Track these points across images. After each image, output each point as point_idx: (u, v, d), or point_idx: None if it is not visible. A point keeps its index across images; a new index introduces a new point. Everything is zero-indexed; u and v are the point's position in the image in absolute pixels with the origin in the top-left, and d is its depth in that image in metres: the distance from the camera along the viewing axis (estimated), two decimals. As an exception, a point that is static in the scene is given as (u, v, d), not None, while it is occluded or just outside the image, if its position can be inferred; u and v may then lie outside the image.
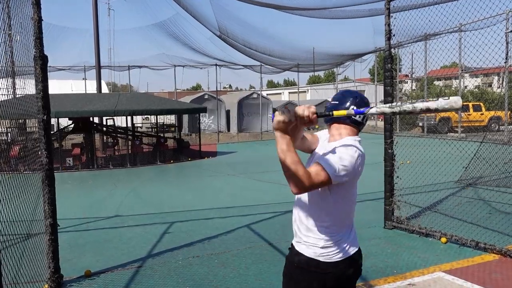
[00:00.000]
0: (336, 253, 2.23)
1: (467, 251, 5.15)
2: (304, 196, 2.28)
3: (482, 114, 22.50)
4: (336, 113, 2.11)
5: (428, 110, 1.99)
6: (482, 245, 5.10)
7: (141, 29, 36.20)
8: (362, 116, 2.27)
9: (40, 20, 4.17)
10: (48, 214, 4.32)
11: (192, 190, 10.14)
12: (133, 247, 5.73)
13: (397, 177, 6.20)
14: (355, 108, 2.25)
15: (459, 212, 6.54)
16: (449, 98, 1.96)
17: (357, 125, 2.32)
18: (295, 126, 2.00)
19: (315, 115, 2.00)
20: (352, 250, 2.30)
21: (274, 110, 2.05)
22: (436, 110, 1.99)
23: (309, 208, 2.27)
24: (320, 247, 2.22)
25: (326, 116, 2.13)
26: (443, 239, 5.48)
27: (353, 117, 2.26)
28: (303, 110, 1.97)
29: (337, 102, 2.32)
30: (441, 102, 1.96)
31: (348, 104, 2.28)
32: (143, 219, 7.33)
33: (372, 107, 2.09)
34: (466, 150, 7.63)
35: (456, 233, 5.48)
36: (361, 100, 2.30)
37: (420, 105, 2.00)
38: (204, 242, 5.84)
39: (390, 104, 2.06)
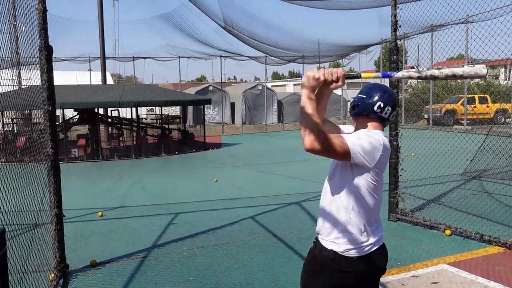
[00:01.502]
0: (359, 250, 2.20)
1: (472, 243, 5.15)
2: (330, 191, 2.26)
3: (488, 106, 22.34)
4: (364, 75, 2.24)
5: (454, 76, 2.05)
6: (487, 238, 5.10)
7: (146, 20, 36.06)
8: (389, 113, 2.28)
9: (44, 10, 4.17)
10: (54, 204, 4.36)
11: (197, 182, 10.17)
12: (138, 237, 5.77)
13: (402, 169, 6.19)
14: (381, 104, 2.26)
15: (463, 205, 6.53)
16: (474, 66, 2.03)
17: (382, 121, 2.30)
18: (324, 85, 2.08)
19: (343, 73, 2.07)
20: (375, 247, 2.26)
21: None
22: (461, 77, 2.06)
23: (335, 204, 2.23)
24: (345, 244, 2.19)
25: (354, 77, 2.21)
26: (448, 232, 5.48)
27: (378, 112, 2.26)
28: (331, 72, 2.05)
29: (365, 96, 2.32)
30: (466, 69, 2.04)
31: (376, 98, 2.28)
32: (148, 210, 7.37)
33: (399, 71, 2.16)
34: (471, 142, 7.59)
35: (461, 226, 5.48)
36: (389, 97, 2.30)
37: (446, 70, 2.07)
38: (208, 233, 5.87)
39: (417, 69, 2.12)
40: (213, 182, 9.84)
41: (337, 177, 2.23)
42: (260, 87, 28.36)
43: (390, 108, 2.27)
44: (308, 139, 1.94)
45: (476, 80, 25.50)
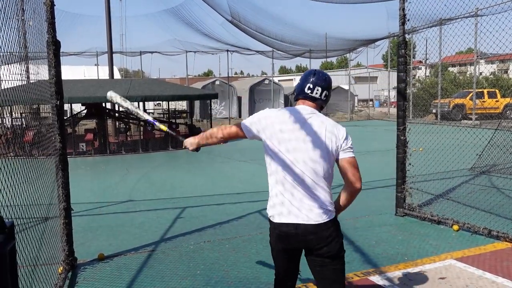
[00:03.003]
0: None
1: (479, 239, 5.12)
2: (317, 168, 2.43)
3: (497, 101, 22.13)
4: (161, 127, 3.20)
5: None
6: (495, 233, 5.06)
7: (153, 15, 36.07)
8: (319, 93, 2.54)
9: (52, 5, 4.18)
10: (62, 198, 4.39)
11: (204, 176, 10.20)
12: (146, 231, 5.81)
13: (410, 164, 6.16)
14: None
15: (471, 200, 6.49)
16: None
17: (314, 101, 2.55)
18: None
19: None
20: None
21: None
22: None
23: (319, 180, 2.43)
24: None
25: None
26: (455, 227, 5.45)
27: (308, 93, 2.57)
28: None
29: (299, 82, 2.62)
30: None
31: (305, 80, 2.59)
32: (155, 204, 7.40)
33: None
34: (480, 137, 7.53)
35: (469, 221, 5.44)
36: (317, 78, 2.56)
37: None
38: (215, 227, 5.89)
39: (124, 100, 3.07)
40: (219, 176, 9.85)
41: None
42: (267, 82, 28.31)
43: (319, 88, 2.51)
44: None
45: (485, 74, 25.24)
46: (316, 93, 2.51)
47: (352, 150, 2.46)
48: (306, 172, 2.38)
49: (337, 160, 2.45)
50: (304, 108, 2.51)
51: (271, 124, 2.45)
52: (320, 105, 2.56)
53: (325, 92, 2.53)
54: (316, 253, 2.41)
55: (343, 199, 2.52)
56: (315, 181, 2.38)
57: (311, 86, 2.51)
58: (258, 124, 2.49)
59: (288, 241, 2.44)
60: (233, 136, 2.60)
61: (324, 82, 2.53)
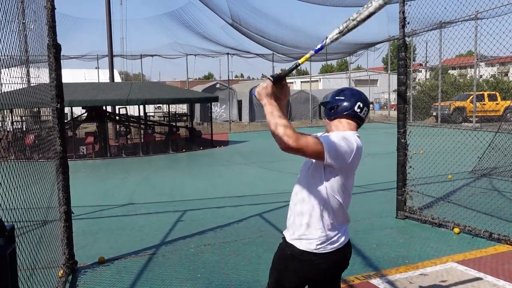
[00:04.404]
0: (327, 245, 2.30)
1: (480, 241, 5.11)
2: (302, 190, 2.33)
3: (497, 103, 22.12)
4: (301, 61, 2.26)
5: (370, 14, 2.07)
6: (496, 236, 5.05)
7: (154, 18, 36.24)
8: (365, 113, 2.38)
9: (53, 8, 4.19)
10: (63, 202, 4.39)
11: (204, 179, 10.19)
12: (146, 234, 5.80)
13: (410, 167, 6.15)
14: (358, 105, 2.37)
15: (472, 203, 6.48)
16: None
17: (359, 120, 2.38)
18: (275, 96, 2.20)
19: (268, 80, 2.19)
20: (329, 248, 2.33)
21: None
22: (376, 9, 2.05)
23: (301, 203, 2.32)
24: (315, 240, 2.28)
25: (295, 67, 2.36)
26: (456, 230, 5.44)
27: (358, 112, 2.36)
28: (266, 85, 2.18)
29: (343, 98, 2.39)
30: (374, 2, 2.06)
31: (355, 99, 2.37)
32: (156, 207, 7.40)
33: (327, 39, 2.19)
34: (481, 140, 7.52)
35: (469, 224, 5.43)
36: (365, 98, 2.41)
37: (362, 12, 2.09)
38: (216, 230, 5.88)
39: (338, 28, 2.17)
40: (220, 179, 9.85)
41: (308, 177, 2.31)
42: (267, 85, 28.28)
43: (367, 109, 2.38)
44: (282, 139, 2.04)
45: (486, 76, 25.26)
46: (364, 114, 2.38)
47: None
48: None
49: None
50: (356, 137, 2.31)
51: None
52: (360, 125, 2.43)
53: (368, 113, 2.44)
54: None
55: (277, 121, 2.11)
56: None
57: (361, 105, 2.36)
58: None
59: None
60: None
61: (368, 104, 2.43)
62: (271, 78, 2.20)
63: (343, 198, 2.30)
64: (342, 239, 2.35)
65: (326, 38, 2.18)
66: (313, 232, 2.28)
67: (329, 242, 2.29)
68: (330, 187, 2.23)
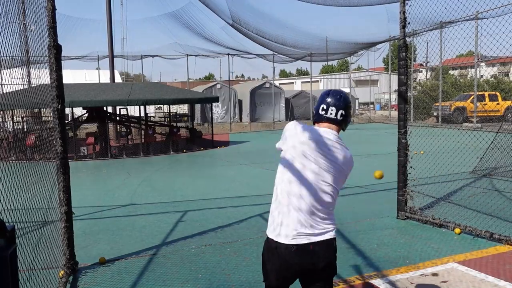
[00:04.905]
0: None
1: (481, 242, 5.10)
2: (324, 187, 2.35)
3: (498, 104, 22.11)
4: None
5: None
6: (497, 236, 5.05)
7: (154, 19, 36.26)
8: (334, 113, 2.43)
9: (53, 9, 4.19)
10: (63, 202, 4.39)
11: (205, 180, 10.20)
12: (147, 235, 5.80)
13: (411, 167, 6.15)
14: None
15: (473, 203, 6.48)
16: None
17: (332, 122, 2.45)
18: None
19: None
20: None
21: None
22: None
23: (326, 197, 2.36)
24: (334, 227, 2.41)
25: None
26: (457, 230, 5.43)
27: (323, 114, 2.46)
28: None
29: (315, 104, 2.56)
30: None
31: (319, 102, 2.50)
32: (156, 207, 7.40)
33: None
34: (481, 140, 7.52)
35: (470, 224, 5.43)
36: (332, 99, 2.47)
37: None
38: (216, 231, 5.88)
39: None
40: (221, 180, 9.84)
41: None
42: (268, 85, 28.33)
43: (334, 108, 2.41)
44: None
45: (486, 76, 25.25)
46: (331, 114, 2.40)
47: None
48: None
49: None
50: (328, 132, 2.41)
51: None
52: (340, 126, 2.45)
53: (340, 112, 2.40)
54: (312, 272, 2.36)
55: None
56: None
57: (325, 107, 2.42)
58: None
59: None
60: None
61: (339, 101, 2.42)
62: None
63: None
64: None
65: None
66: (333, 221, 2.43)
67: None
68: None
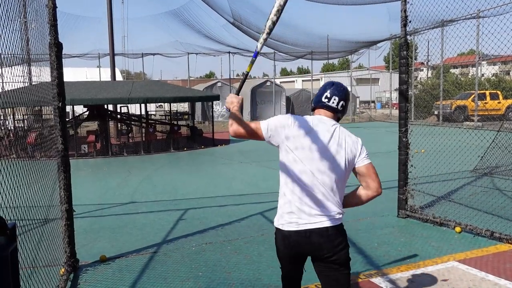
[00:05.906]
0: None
1: (482, 240, 5.10)
2: (338, 173, 2.49)
3: (499, 102, 22.08)
4: (248, 69, 2.77)
5: (280, 8, 2.58)
6: (497, 235, 5.05)
7: (155, 17, 36.23)
8: (336, 102, 2.56)
9: (54, 7, 4.19)
10: (64, 200, 4.39)
11: (206, 178, 10.20)
12: (147, 233, 5.81)
13: (411, 166, 6.15)
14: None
15: (474, 202, 6.47)
16: None
17: (331, 110, 2.58)
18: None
19: (235, 95, 2.66)
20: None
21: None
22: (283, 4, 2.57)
23: (339, 182, 2.52)
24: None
25: (244, 80, 2.81)
26: (458, 229, 5.44)
27: (325, 102, 2.59)
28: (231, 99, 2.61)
29: (317, 92, 2.68)
30: None
31: (322, 90, 2.63)
32: (157, 205, 7.41)
33: (259, 44, 2.69)
34: (482, 139, 7.51)
35: (471, 223, 5.43)
36: (335, 89, 2.61)
37: (272, 14, 2.58)
38: (217, 229, 5.89)
39: (263, 33, 2.64)
40: (221, 178, 9.84)
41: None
42: (268, 83, 28.32)
43: (337, 98, 2.56)
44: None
45: (487, 75, 25.21)
46: (333, 103, 2.56)
47: (368, 157, 2.61)
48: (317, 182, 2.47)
49: (354, 168, 2.57)
50: (323, 119, 2.55)
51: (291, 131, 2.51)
52: (337, 115, 2.61)
53: (341, 102, 2.58)
54: (325, 260, 2.48)
55: (357, 200, 2.68)
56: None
57: (328, 95, 2.57)
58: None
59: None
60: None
61: (341, 92, 2.59)
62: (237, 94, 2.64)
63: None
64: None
65: (259, 43, 2.65)
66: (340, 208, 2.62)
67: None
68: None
